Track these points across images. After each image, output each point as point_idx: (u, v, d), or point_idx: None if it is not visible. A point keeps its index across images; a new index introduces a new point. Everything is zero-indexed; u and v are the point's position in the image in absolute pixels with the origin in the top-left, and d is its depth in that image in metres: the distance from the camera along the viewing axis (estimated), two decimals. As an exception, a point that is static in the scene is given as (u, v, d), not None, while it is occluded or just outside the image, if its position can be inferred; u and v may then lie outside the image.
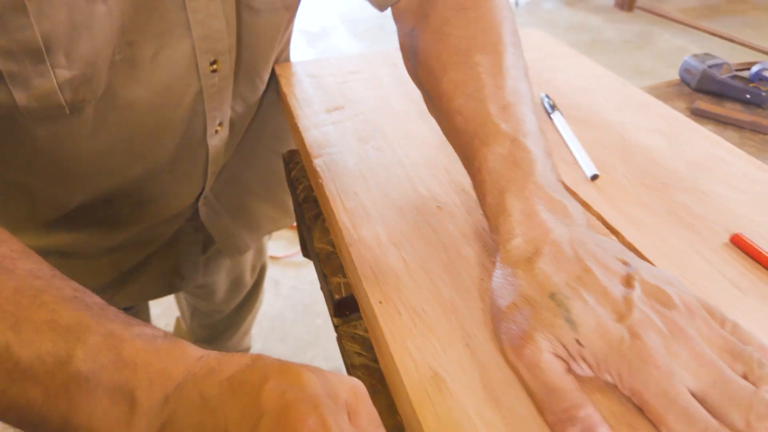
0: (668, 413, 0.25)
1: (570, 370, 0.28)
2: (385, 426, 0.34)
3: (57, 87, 0.33)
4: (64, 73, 0.33)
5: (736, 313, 0.33)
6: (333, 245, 0.44)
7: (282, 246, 1.71)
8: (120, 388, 0.23)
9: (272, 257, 1.66)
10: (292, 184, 0.52)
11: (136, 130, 0.42)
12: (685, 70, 0.69)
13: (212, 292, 0.88)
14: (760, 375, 0.27)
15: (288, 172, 0.54)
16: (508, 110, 0.35)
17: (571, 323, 0.28)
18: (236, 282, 0.91)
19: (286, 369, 0.22)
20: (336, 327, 0.41)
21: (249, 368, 0.22)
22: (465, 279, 0.36)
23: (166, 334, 0.26)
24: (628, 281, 0.29)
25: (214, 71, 0.43)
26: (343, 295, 0.40)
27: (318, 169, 0.46)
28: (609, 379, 0.27)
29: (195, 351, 0.25)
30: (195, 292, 0.90)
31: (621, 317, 0.27)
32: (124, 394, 0.23)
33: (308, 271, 1.63)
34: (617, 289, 0.29)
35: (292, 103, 0.56)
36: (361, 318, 0.39)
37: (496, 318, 0.31)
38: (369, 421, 0.24)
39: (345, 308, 0.41)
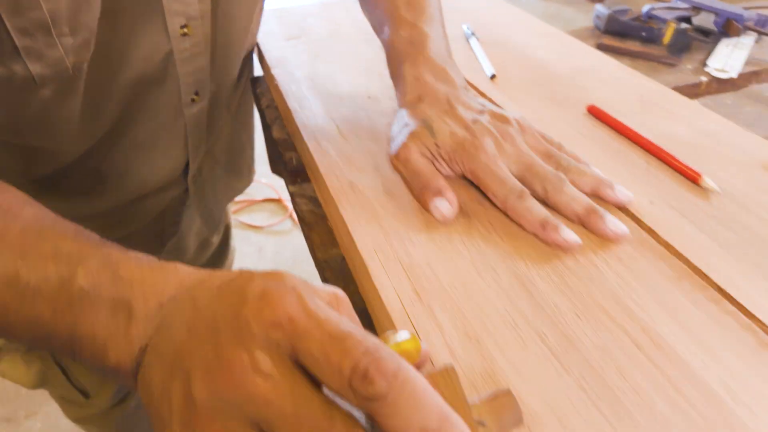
0: (491, 181, 0.37)
1: (434, 165, 0.40)
2: (328, 243, 0.46)
3: (63, 54, 0.37)
4: (68, 41, 0.36)
5: (582, 151, 0.45)
6: (288, 134, 0.55)
7: (264, 217, 1.82)
8: (118, 300, 0.25)
9: (255, 227, 1.77)
10: (258, 98, 0.63)
11: (116, 81, 0.44)
12: (596, 17, 0.81)
13: (183, 253, 0.90)
14: (566, 167, 0.39)
15: (254, 90, 0.65)
16: (413, 5, 0.47)
17: (432, 133, 0.40)
18: (203, 243, 0.94)
19: (270, 272, 0.24)
20: (291, 192, 0.52)
21: (238, 276, 0.24)
22: (382, 137, 0.47)
23: (160, 259, 0.28)
24: (481, 113, 0.41)
25: (184, 35, 0.44)
26: (295, 165, 0.51)
27: (275, 74, 0.58)
28: (457, 168, 0.39)
29: (187, 268, 0.27)
30: (167, 257, 0.92)
31: (467, 128, 0.39)
32: (122, 305, 0.25)
33: (289, 238, 1.75)
34: (470, 115, 0.41)
35: (258, 35, 0.67)
36: (310, 184, 0.50)
37: (390, 143, 0.43)
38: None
39: (297, 176, 0.52)
